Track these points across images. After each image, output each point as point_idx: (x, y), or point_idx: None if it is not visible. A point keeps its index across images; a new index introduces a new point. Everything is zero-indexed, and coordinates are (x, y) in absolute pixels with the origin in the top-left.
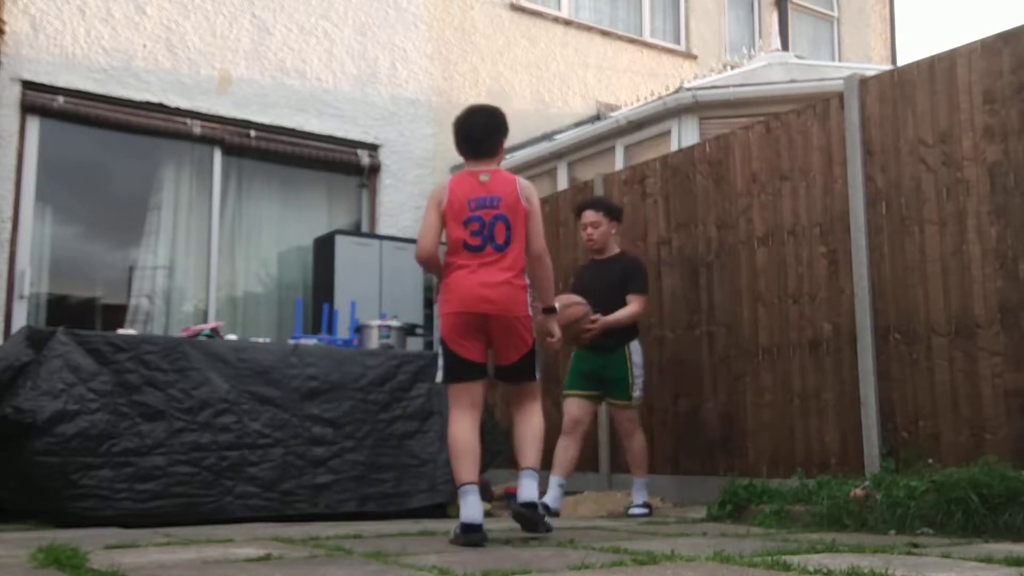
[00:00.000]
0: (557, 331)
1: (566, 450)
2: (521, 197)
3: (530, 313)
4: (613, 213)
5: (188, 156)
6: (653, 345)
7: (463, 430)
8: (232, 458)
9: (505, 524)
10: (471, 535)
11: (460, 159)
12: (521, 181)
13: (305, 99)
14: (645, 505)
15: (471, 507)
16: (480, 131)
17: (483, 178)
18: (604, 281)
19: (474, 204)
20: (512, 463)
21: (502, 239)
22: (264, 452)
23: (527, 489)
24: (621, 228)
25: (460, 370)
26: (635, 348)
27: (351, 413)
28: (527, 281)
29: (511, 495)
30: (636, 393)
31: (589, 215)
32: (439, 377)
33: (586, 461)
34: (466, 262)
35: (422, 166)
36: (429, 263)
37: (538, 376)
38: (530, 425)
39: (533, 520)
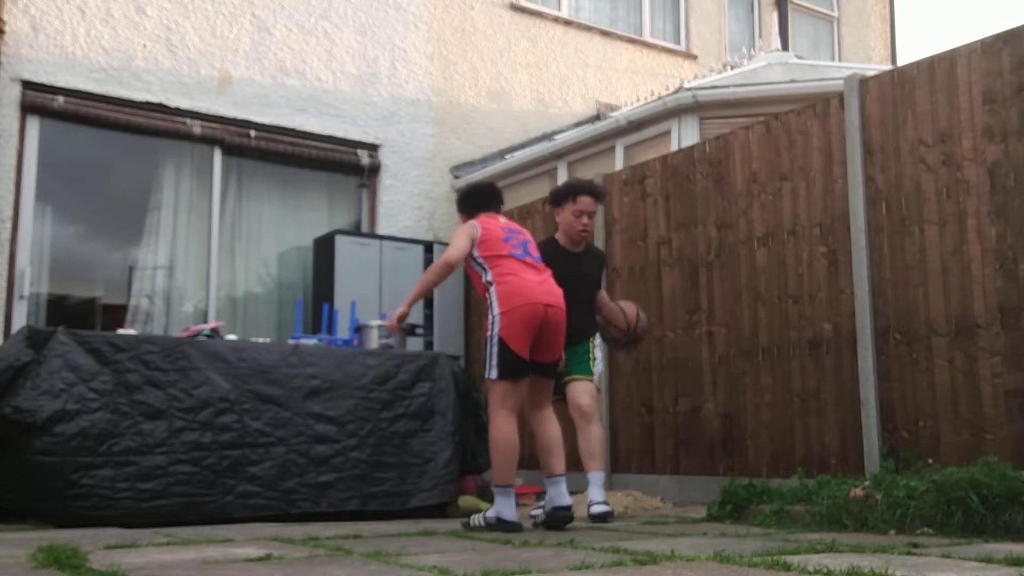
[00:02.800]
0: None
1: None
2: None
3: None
4: (603, 202)
5: (188, 156)
6: (653, 345)
7: (513, 433)
8: (233, 457)
9: None
10: (511, 524)
11: (459, 159)
12: None
13: (305, 99)
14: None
15: (512, 506)
16: (493, 193)
17: (502, 220)
18: (582, 274)
19: (507, 230)
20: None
21: (536, 254)
22: (265, 451)
23: (564, 495)
24: (621, 228)
25: (516, 367)
26: (598, 339)
27: (353, 411)
28: None
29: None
30: (598, 368)
31: (589, 203)
32: (491, 374)
33: None
34: (515, 268)
35: (422, 166)
36: (452, 267)
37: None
38: (555, 430)
39: (570, 519)
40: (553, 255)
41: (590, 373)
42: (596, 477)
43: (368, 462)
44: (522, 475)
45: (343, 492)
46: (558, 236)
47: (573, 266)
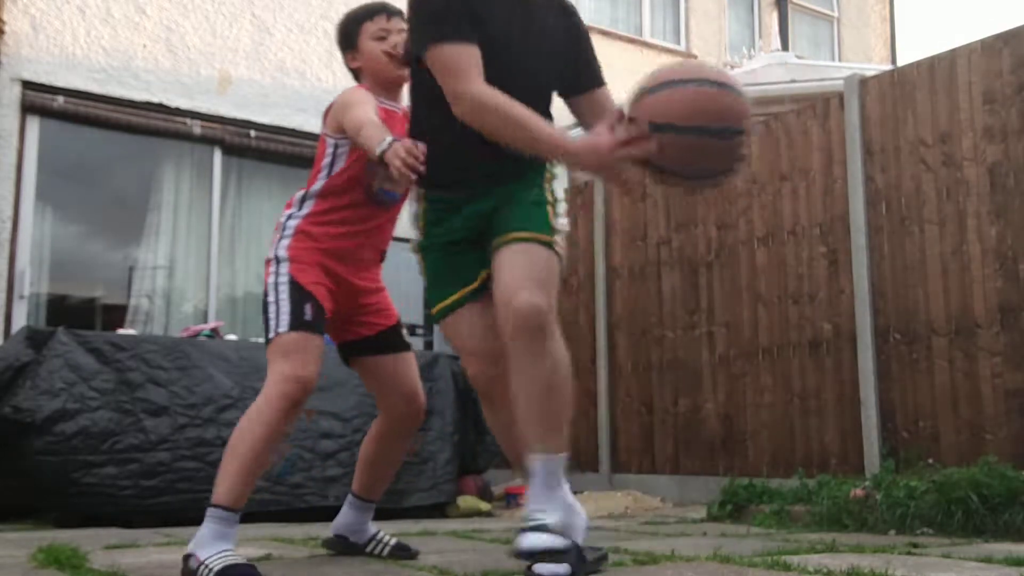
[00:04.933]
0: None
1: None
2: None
3: (268, 257)
4: None
5: (188, 156)
6: (653, 345)
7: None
8: None
9: (505, 524)
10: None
11: None
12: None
13: (305, 99)
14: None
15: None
16: None
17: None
18: (543, 41)
19: None
20: (507, 463)
21: None
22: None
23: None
24: (621, 228)
25: None
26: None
27: (357, 407)
28: (286, 217)
29: (511, 495)
30: (560, 221)
31: None
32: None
33: (586, 461)
34: None
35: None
36: None
37: (273, 333)
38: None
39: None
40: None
41: (547, 229)
42: (541, 465)
43: None
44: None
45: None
46: None
47: (522, 23)
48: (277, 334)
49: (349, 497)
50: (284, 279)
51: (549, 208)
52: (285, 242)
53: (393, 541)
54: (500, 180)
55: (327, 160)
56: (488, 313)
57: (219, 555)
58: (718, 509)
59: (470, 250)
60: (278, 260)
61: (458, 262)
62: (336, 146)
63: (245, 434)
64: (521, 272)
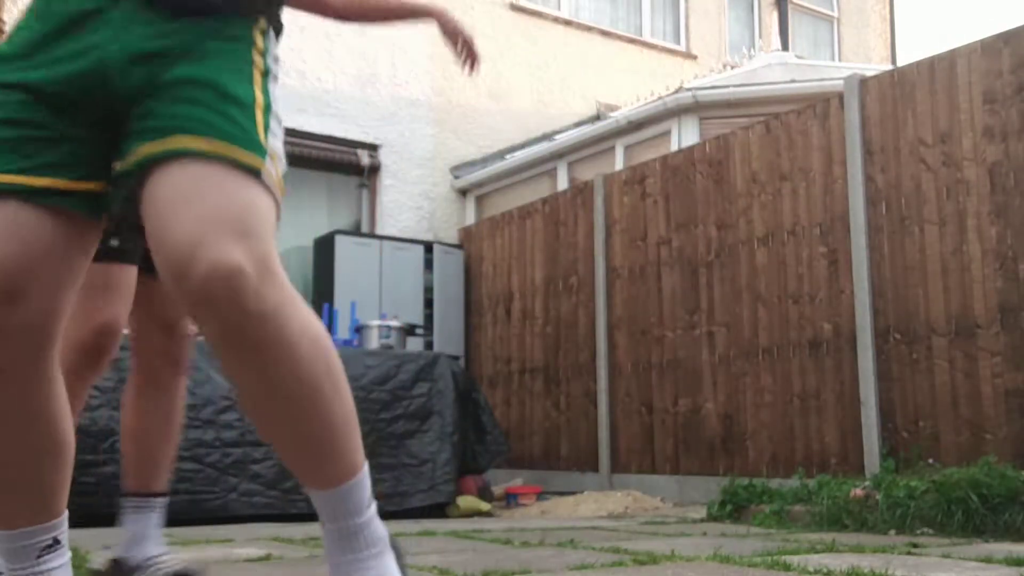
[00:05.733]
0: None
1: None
2: None
3: None
4: None
5: None
6: (653, 345)
7: None
8: (236, 455)
9: (505, 524)
10: None
11: (460, 159)
12: None
13: (305, 99)
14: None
15: None
16: None
17: None
18: None
19: None
20: (511, 463)
21: None
22: (267, 449)
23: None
24: (621, 228)
25: None
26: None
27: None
28: None
29: (511, 495)
30: (271, 140)
31: None
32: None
33: (586, 461)
34: None
35: (422, 166)
36: None
37: None
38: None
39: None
40: None
41: (248, 141)
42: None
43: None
44: (523, 473)
45: None
46: None
47: None
48: None
49: (122, 501)
50: None
51: (258, 112)
52: None
53: (173, 570)
54: (185, 6)
55: None
56: (33, 230)
57: None
58: (718, 509)
59: (68, 119)
60: None
61: (43, 124)
62: None
63: None
64: (204, 212)
